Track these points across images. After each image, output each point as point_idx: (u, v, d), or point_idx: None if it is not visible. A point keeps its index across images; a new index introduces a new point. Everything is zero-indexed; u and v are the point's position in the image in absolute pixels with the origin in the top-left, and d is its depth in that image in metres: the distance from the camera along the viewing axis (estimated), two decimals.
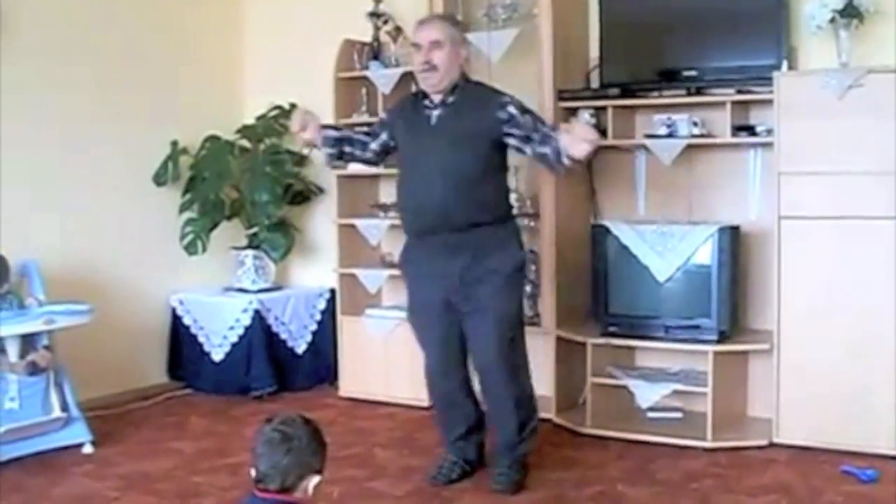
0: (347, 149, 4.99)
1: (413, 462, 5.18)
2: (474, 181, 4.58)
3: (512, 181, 6.00)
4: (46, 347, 5.40)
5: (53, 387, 5.35)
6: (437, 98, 4.71)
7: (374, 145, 4.97)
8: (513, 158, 5.91)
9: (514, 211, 5.07)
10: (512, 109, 4.61)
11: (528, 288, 6.04)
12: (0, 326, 5.14)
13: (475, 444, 4.97)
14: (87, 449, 5.41)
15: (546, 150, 4.55)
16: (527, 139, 4.60)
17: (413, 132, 4.79)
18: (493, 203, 4.71)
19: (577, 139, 4.41)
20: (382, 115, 5.10)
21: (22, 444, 5.20)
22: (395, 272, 6.34)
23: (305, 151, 6.71)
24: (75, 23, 6.30)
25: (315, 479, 3.02)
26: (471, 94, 4.72)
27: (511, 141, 4.64)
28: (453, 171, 4.56)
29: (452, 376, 4.86)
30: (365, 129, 5.17)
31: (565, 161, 4.49)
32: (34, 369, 5.26)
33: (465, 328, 4.75)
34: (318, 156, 5.72)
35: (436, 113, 4.71)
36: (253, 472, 3.01)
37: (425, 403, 6.11)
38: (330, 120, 6.54)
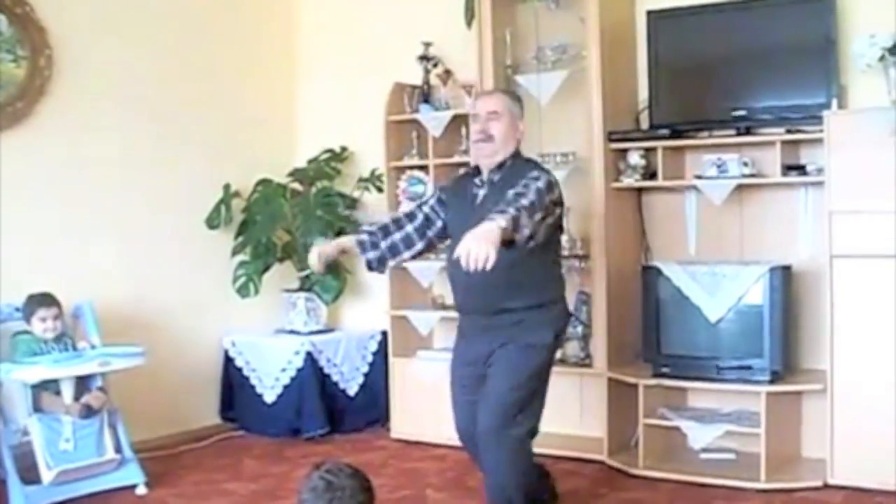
0: (388, 243, 4.67)
1: None
2: (513, 264, 4.12)
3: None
4: (101, 389, 5.46)
5: (107, 428, 5.40)
6: (486, 175, 4.52)
7: (416, 224, 4.68)
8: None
9: (559, 295, 4.64)
10: (530, 182, 4.21)
11: (573, 337, 6.00)
12: (55, 368, 5.21)
13: None
14: (141, 490, 5.44)
15: None
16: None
17: (459, 211, 4.54)
18: (532, 287, 4.43)
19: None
20: (438, 193, 4.78)
21: (76, 485, 5.24)
22: (447, 314, 6.38)
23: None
24: (129, 68, 6.41)
25: None
26: (517, 171, 4.41)
27: None
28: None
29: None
30: (403, 214, 4.82)
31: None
32: (88, 411, 5.30)
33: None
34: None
35: (482, 192, 4.51)
36: None
37: None
38: (381, 162, 6.61)
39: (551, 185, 4.29)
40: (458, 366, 4.64)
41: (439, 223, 4.69)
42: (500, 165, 4.50)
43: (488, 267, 3.67)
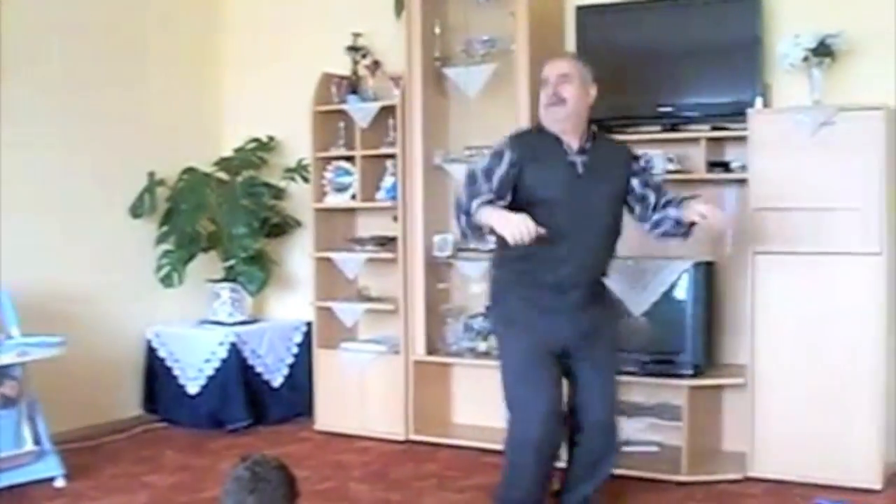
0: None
1: (388, 496, 5.16)
2: (613, 239, 4.50)
3: None
4: (19, 379, 5.37)
5: (26, 419, 5.32)
6: (574, 144, 4.42)
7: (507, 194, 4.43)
8: None
9: None
10: (643, 162, 4.63)
11: None
12: None
13: None
14: (60, 483, 5.37)
15: (673, 212, 4.45)
16: (644, 197, 4.51)
17: (558, 178, 4.38)
18: (610, 261, 4.63)
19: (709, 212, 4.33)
20: (506, 152, 4.40)
21: None
22: (372, 306, 6.39)
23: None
24: (51, 54, 6.31)
25: None
26: (603, 142, 4.54)
27: (628, 197, 4.52)
28: (605, 227, 4.45)
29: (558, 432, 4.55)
30: (487, 186, 4.38)
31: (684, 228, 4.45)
32: (6, 402, 5.23)
33: (576, 379, 4.57)
34: None
35: (579, 160, 4.40)
36: None
37: (401, 437, 6.15)
38: (307, 152, 6.57)
39: None
40: (539, 346, 4.42)
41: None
42: (591, 137, 4.47)
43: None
